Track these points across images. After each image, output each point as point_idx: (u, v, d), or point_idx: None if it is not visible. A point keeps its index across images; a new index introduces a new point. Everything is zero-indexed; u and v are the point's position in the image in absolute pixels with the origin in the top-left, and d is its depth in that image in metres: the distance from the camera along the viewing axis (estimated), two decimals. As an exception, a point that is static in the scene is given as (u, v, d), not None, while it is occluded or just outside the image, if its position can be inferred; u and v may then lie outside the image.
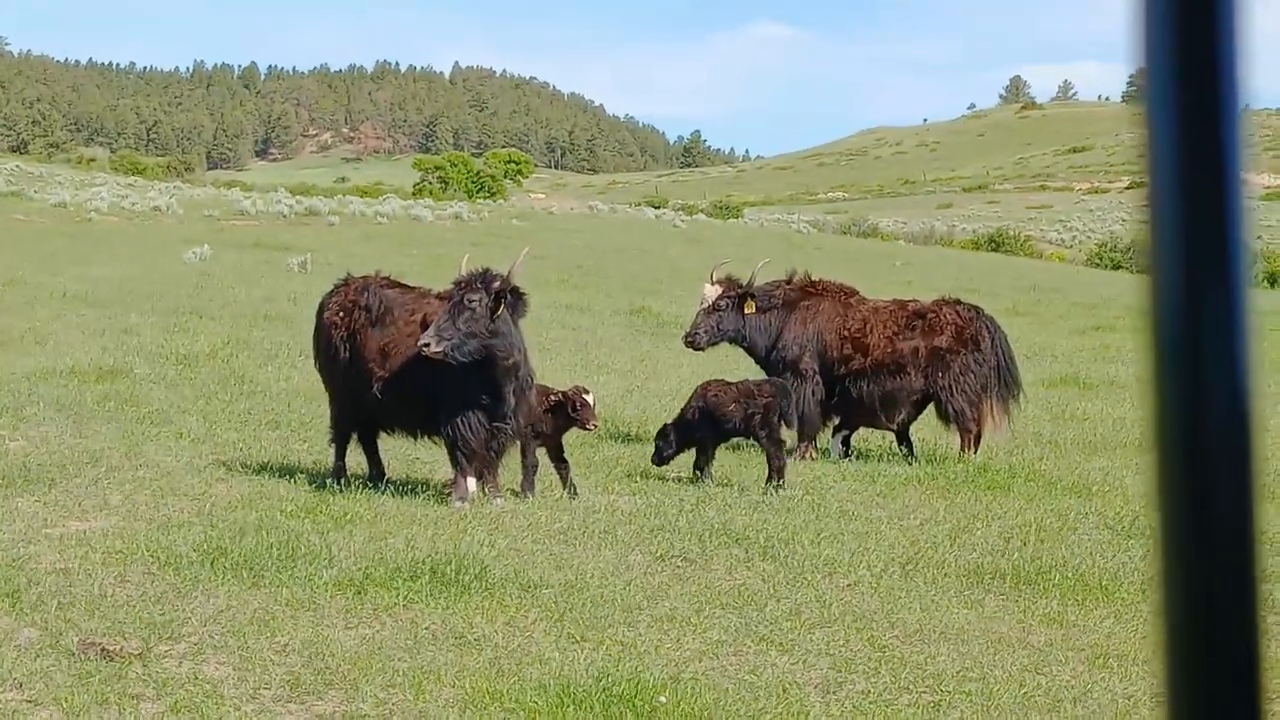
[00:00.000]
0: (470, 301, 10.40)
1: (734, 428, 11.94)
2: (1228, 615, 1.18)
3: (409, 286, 11.81)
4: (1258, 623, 1.19)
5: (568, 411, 11.19)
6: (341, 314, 11.46)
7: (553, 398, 11.26)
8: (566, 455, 11.26)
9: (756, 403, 11.80)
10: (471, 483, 10.68)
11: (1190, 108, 1.16)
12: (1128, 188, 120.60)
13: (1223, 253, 1.16)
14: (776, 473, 11.65)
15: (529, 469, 11.08)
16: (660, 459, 12.01)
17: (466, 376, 10.57)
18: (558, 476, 11.18)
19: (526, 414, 10.94)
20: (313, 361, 12.39)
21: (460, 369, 10.49)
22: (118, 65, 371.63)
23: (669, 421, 12.20)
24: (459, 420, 10.64)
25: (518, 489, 11.05)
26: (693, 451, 12.07)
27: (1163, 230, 1.17)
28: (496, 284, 10.53)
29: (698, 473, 11.97)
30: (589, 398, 11.24)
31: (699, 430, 11.98)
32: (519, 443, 11.01)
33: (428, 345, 10.27)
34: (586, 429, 11.38)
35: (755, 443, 12.06)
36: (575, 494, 10.97)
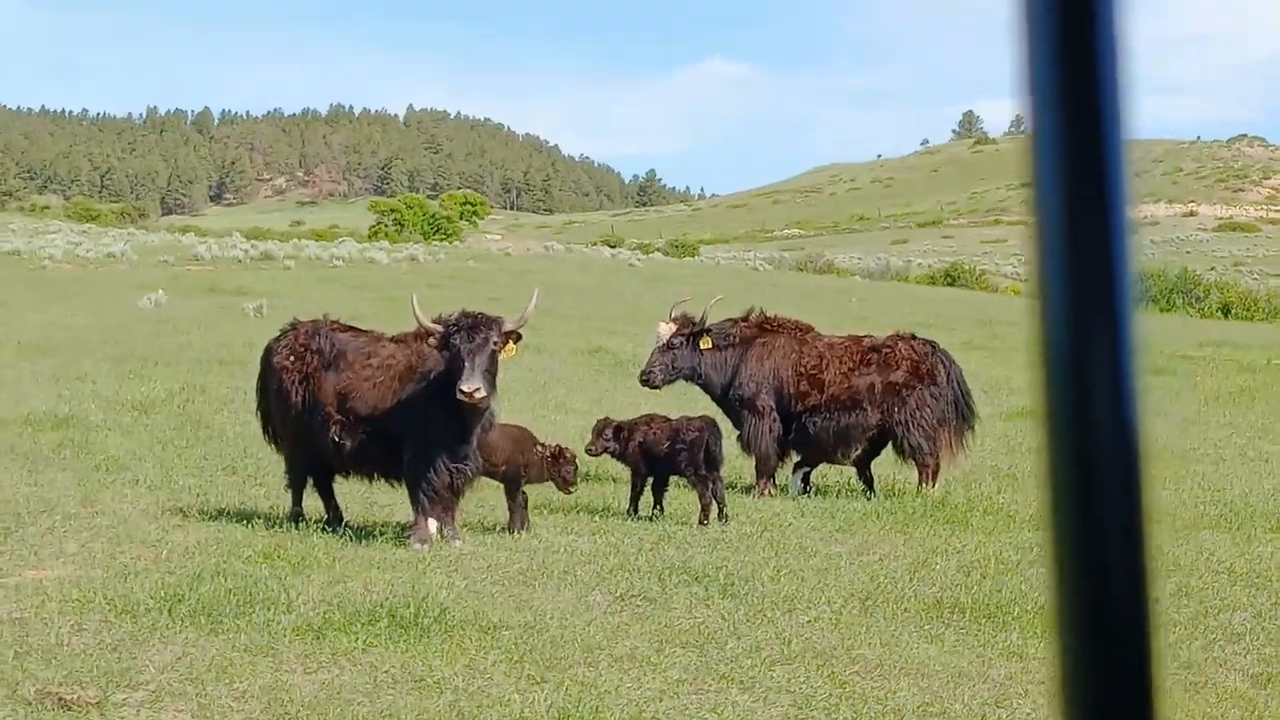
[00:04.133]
0: (494, 344, 10.44)
1: (665, 465, 11.96)
2: (1120, 647, 1.18)
3: (361, 330, 11.79)
4: (1152, 657, 1.19)
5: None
6: (293, 358, 11.42)
7: (539, 448, 11.48)
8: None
9: (683, 439, 11.83)
10: (431, 524, 10.65)
11: (1073, 141, 1.18)
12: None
13: (1108, 284, 1.17)
14: (703, 510, 11.68)
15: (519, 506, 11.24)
16: (631, 505, 12.03)
17: (433, 417, 10.60)
18: (508, 511, 11.29)
19: (511, 457, 11.19)
20: (255, 406, 12.34)
21: (428, 410, 10.57)
22: (70, 112, 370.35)
23: None
24: (424, 461, 10.64)
25: (499, 530, 11.08)
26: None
27: (1048, 262, 1.18)
28: (508, 325, 10.62)
29: (657, 509, 11.98)
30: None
31: (642, 466, 12.01)
32: (510, 482, 11.15)
33: (478, 390, 10.24)
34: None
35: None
36: (522, 529, 11.09)
